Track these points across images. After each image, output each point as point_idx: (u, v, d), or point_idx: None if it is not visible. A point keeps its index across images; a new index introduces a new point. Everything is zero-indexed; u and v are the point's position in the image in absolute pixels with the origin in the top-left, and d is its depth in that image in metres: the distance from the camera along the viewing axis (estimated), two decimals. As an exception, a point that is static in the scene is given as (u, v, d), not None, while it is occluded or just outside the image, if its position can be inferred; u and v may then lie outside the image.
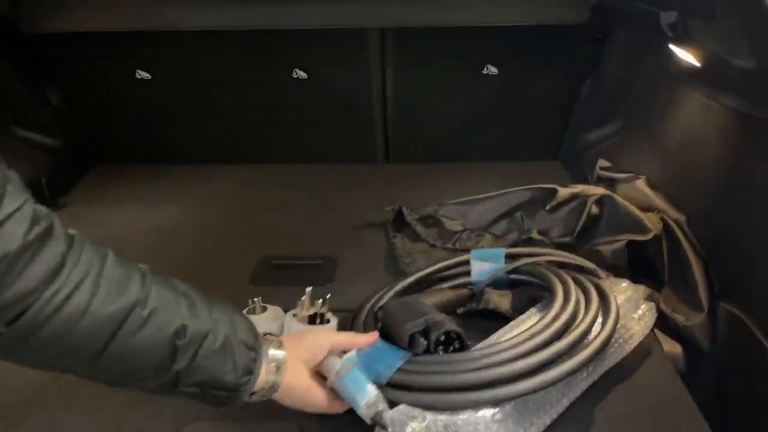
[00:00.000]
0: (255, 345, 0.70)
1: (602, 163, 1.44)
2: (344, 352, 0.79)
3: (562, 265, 1.03)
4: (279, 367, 0.72)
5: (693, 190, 1.17)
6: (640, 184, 1.27)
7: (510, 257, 1.04)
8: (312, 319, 0.92)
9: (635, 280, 1.07)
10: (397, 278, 1.05)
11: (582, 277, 0.95)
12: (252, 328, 0.72)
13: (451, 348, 0.81)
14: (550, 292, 0.91)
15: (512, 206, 1.26)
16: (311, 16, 1.54)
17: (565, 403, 0.81)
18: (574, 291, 0.89)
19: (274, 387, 0.72)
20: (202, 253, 1.33)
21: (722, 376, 1.00)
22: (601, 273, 1.01)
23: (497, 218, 1.27)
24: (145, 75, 1.65)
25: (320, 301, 0.93)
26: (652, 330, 0.99)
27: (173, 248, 1.36)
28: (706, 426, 0.83)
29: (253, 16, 1.54)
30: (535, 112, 1.73)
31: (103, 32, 1.56)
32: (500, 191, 1.30)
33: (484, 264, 1.02)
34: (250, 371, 0.69)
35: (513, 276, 1.02)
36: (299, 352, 0.75)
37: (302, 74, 1.65)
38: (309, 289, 0.94)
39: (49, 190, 1.58)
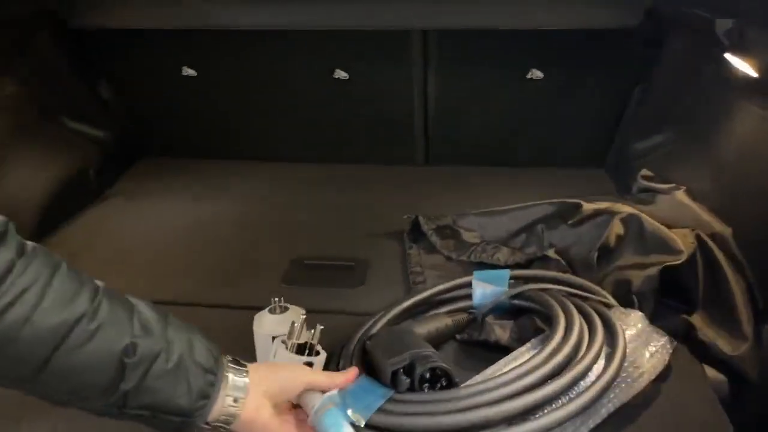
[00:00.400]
0: (213, 368, 0.66)
1: (645, 172, 1.37)
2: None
3: (571, 292, 0.96)
4: (237, 399, 0.66)
5: (743, 204, 1.09)
6: (680, 195, 1.19)
7: (515, 279, 0.98)
8: (301, 349, 0.86)
9: (663, 303, 1.01)
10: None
11: (588, 307, 0.89)
12: (213, 351, 0.67)
13: (438, 385, 0.76)
14: (551, 323, 0.85)
15: (533, 220, 1.20)
16: (354, 17, 1.53)
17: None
18: (578, 323, 0.83)
19: (229, 420, 0.66)
20: (237, 250, 1.35)
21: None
22: (612, 301, 0.95)
23: (517, 231, 1.21)
24: (191, 72, 1.68)
25: (312, 331, 0.88)
26: (700, 363, 0.92)
27: (209, 244, 1.38)
28: None
29: (297, 16, 1.55)
30: (581, 119, 1.65)
31: (151, 29, 1.59)
32: (522, 204, 1.25)
33: (487, 286, 0.97)
34: (206, 395, 0.64)
35: (516, 301, 0.96)
36: (267, 385, 0.69)
37: (343, 74, 1.64)
38: (303, 315, 0.89)
39: (97, 181, 1.64)
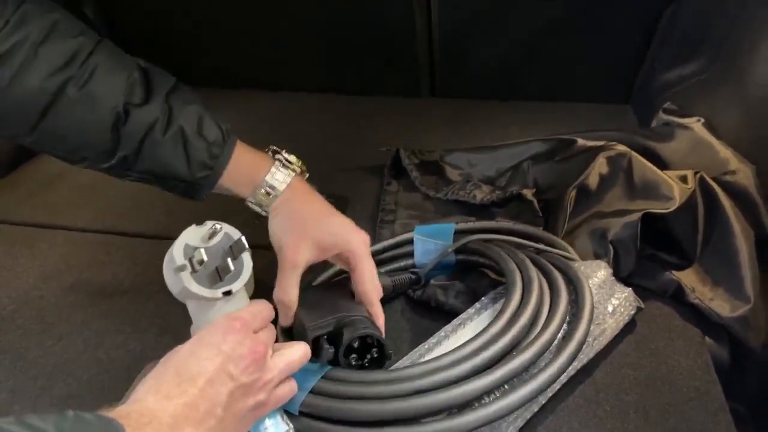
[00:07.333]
0: (219, 141, 0.69)
1: (669, 106, 1.24)
2: None
3: (524, 243, 0.87)
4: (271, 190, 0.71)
5: None
6: (698, 127, 1.08)
7: (463, 233, 0.90)
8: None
9: (652, 258, 0.90)
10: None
11: (545, 260, 0.80)
12: (223, 126, 0.70)
13: (369, 357, 0.68)
14: (507, 284, 0.75)
15: (525, 157, 1.10)
16: None
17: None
18: (537, 280, 0.74)
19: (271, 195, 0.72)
20: None
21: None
22: (573, 255, 0.85)
23: (507, 169, 1.11)
24: None
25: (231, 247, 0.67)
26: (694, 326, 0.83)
27: None
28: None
29: None
30: (604, 46, 1.50)
31: None
32: (516, 140, 1.14)
33: (430, 242, 0.89)
34: (208, 167, 0.68)
35: (462, 257, 0.88)
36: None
37: None
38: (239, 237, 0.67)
39: None
